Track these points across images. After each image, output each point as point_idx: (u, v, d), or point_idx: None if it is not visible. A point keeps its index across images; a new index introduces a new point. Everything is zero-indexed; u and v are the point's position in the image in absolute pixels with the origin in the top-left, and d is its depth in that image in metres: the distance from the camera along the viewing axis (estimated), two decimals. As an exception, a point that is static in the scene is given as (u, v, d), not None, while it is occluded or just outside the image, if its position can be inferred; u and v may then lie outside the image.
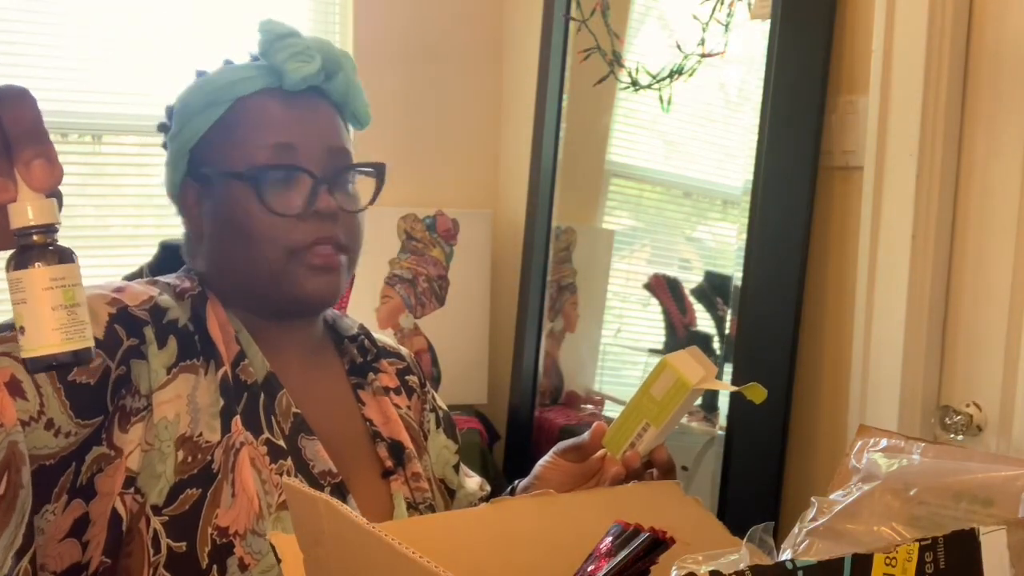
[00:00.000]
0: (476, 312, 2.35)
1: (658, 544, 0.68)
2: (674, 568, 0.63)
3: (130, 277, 1.13)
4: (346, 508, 0.65)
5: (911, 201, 1.40)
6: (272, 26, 1.02)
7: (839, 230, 1.56)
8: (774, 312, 1.57)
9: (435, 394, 1.22)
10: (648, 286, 2.02)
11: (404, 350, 1.21)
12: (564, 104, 2.12)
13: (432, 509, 1.07)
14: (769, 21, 1.55)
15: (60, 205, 0.61)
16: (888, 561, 0.57)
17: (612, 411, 2.11)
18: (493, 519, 0.88)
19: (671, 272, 1.99)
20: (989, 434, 1.36)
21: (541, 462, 1.08)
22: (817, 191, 1.56)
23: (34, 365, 0.59)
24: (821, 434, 1.60)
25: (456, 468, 1.19)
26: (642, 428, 1.02)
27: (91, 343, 0.60)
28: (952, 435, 1.38)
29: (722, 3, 1.66)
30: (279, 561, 0.77)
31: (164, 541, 0.90)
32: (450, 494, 1.16)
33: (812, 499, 0.77)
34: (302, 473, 0.97)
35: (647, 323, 2.07)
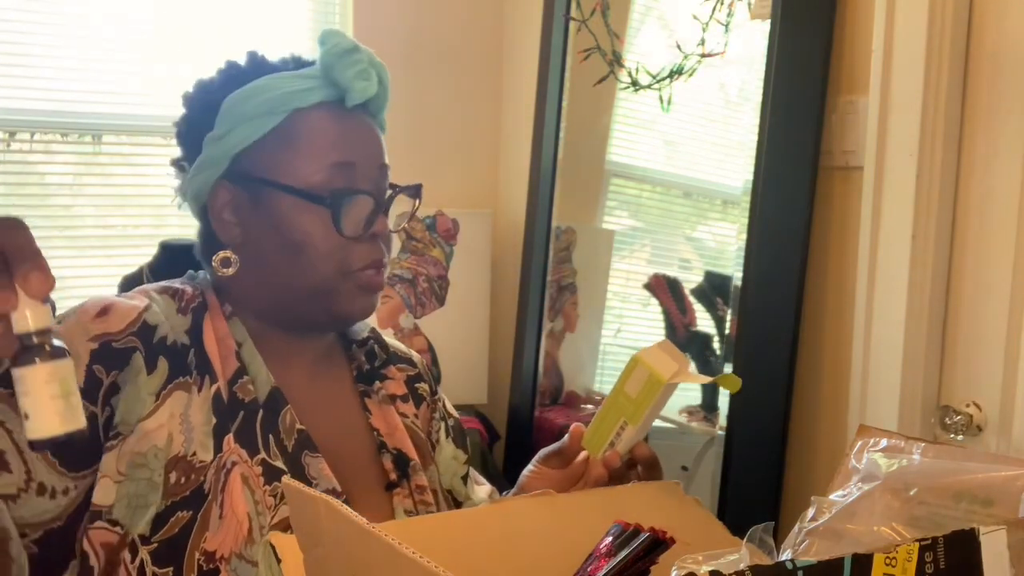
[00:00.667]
0: (476, 312, 2.35)
1: (658, 544, 0.68)
2: (674, 568, 0.63)
3: (130, 277, 1.12)
4: (346, 508, 0.65)
5: (911, 201, 1.40)
6: (337, 39, 1.00)
7: (839, 230, 1.56)
8: (774, 312, 1.57)
9: (446, 401, 1.20)
10: (648, 286, 2.02)
11: (416, 356, 1.19)
12: (564, 104, 2.12)
13: None
14: (769, 21, 1.55)
15: (53, 311, 0.71)
16: (888, 561, 0.57)
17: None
18: (493, 519, 0.88)
19: (671, 272, 1.99)
20: (989, 434, 1.36)
21: (525, 472, 1.07)
22: (817, 191, 1.56)
23: (38, 446, 0.70)
24: (821, 434, 1.60)
25: (465, 479, 1.17)
26: (620, 427, 1.02)
27: (84, 423, 0.70)
28: (952, 435, 1.38)
29: (722, 3, 1.66)
30: (279, 561, 0.77)
31: (149, 569, 0.89)
32: (457, 505, 1.14)
33: (812, 499, 0.77)
34: None
35: (647, 323, 2.07)
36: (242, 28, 2.16)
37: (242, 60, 1.04)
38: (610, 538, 0.70)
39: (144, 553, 0.89)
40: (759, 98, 1.56)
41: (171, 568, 0.89)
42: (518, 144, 2.35)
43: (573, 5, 2.02)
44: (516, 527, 0.87)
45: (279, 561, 0.76)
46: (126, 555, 0.89)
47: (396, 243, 0.98)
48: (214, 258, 1.01)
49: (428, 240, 2.31)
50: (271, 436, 0.96)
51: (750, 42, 1.64)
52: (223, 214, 1.01)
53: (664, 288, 1.97)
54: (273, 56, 1.05)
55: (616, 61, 1.93)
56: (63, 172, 2.10)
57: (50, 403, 0.68)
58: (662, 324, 1.98)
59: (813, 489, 1.09)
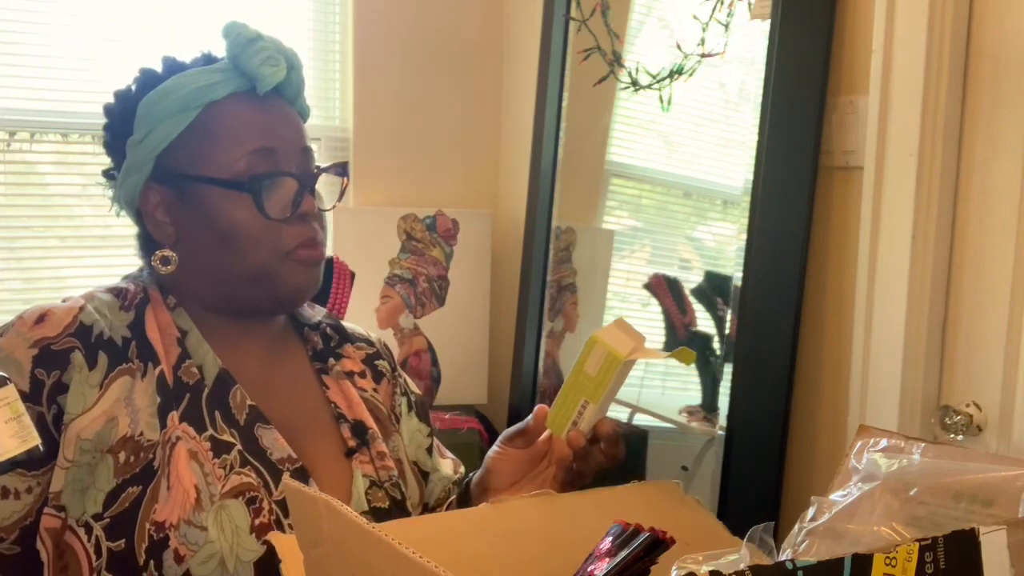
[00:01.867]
0: (476, 312, 2.35)
1: (658, 544, 0.68)
2: (674, 568, 0.63)
3: (130, 277, 1.14)
4: (346, 508, 0.65)
5: (911, 201, 1.40)
6: (241, 30, 1.04)
7: (839, 230, 1.56)
8: (774, 312, 1.57)
9: (407, 378, 1.24)
10: (648, 286, 2.02)
11: (373, 336, 1.23)
12: (564, 104, 2.12)
13: (398, 487, 1.09)
14: (769, 21, 1.55)
15: None
16: (888, 561, 0.57)
17: (612, 411, 2.11)
18: (493, 519, 0.88)
19: (671, 272, 1.99)
20: (989, 434, 1.36)
21: (489, 453, 1.10)
22: (817, 191, 1.56)
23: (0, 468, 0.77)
24: (821, 434, 1.60)
25: (429, 451, 1.20)
26: (581, 406, 1.04)
27: (38, 439, 0.76)
28: (952, 435, 1.38)
29: (722, 3, 1.66)
30: (279, 561, 0.77)
31: (104, 544, 0.93)
32: (424, 477, 1.18)
33: (812, 499, 0.77)
34: (259, 461, 0.99)
35: (647, 323, 2.07)
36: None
37: (158, 66, 1.07)
38: (610, 538, 0.70)
39: (98, 529, 0.93)
40: (759, 98, 1.56)
41: (123, 540, 0.93)
42: (518, 144, 2.35)
43: (573, 5, 2.02)
44: (516, 527, 0.87)
45: (279, 561, 0.76)
46: (70, 538, 0.94)
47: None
48: (153, 258, 1.05)
49: (428, 240, 2.31)
50: (217, 413, 1.00)
51: (750, 42, 1.64)
52: (156, 214, 1.05)
53: (664, 288, 1.97)
54: (187, 57, 1.08)
55: (616, 61, 1.93)
56: (63, 172, 2.11)
57: (4, 427, 0.74)
58: (662, 324, 1.98)
59: (813, 489, 1.09)
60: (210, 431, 0.99)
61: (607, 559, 0.68)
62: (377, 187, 2.34)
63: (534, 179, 2.21)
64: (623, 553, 0.68)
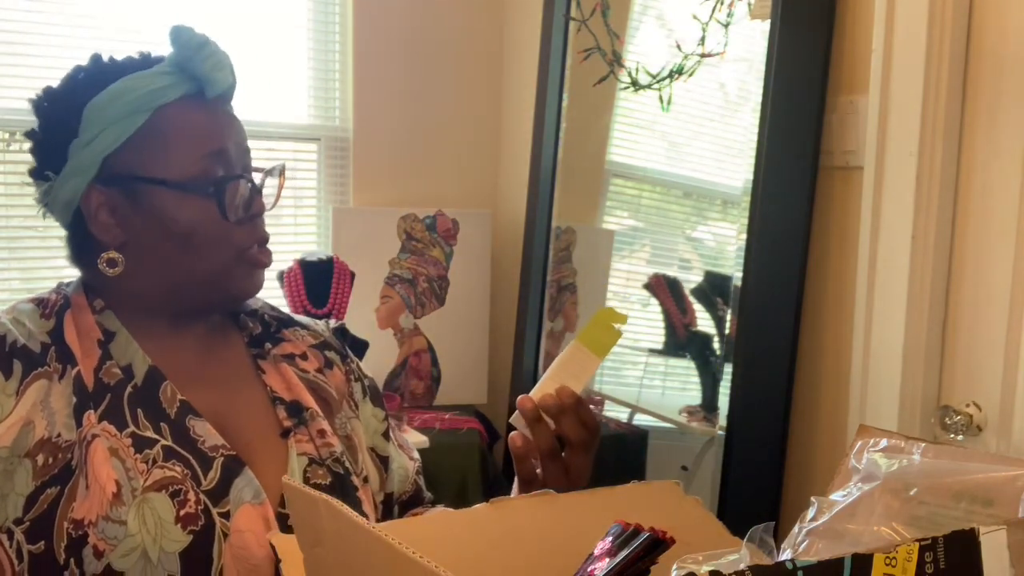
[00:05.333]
0: (476, 312, 2.35)
1: (658, 544, 0.68)
2: (674, 568, 0.63)
3: (59, 287, 1.15)
4: (346, 508, 0.65)
5: (911, 201, 1.40)
6: (189, 35, 1.05)
7: (839, 230, 1.56)
8: (774, 312, 1.57)
9: (359, 364, 1.24)
10: (648, 286, 2.02)
11: (321, 325, 1.23)
12: (564, 104, 2.12)
13: (341, 462, 1.09)
14: (769, 21, 1.55)
15: None
16: (888, 561, 0.57)
17: (612, 411, 2.11)
18: (493, 519, 0.88)
19: (671, 272, 1.99)
20: (989, 434, 1.36)
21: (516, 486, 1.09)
22: (817, 191, 1.56)
23: None
24: (821, 434, 1.60)
25: (386, 435, 1.21)
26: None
27: None
28: (952, 435, 1.38)
29: (722, 3, 1.66)
30: (279, 561, 0.77)
31: (25, 548, 0.94)
32: (382, 461, 1.18)
33: (812, 499, 0.77)
34: (189, 451, 1.00)
35: (647, 323, 2.07)
36: (242, 28, 2.16)
37: (86, 63, 1.07)
38: (610, 538, 0.70)
39: (19, 534, 0.94)
40: (759, 98, 1.56)
41: (43, 542, 0.94)
42: (518, 144, 2.35)
43: (573, 5, 2.02)
44: (516, 527, 0.87)
45: (279, 561, 0.76)
46: None
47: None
48: (99, 260, 1.04)
49: (428, 240, 2.31)
50: (140, 410, 1.01)
51: (750, 42, 1.64)
52: (100, 216, 1.04)
53: (664, 288, 1.97)
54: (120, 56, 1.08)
55: (616, 61, 1.93)
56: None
57: None
58: (662, 324, 1.98)
59: (813, 489, 1.09)
60: (131, 428, 1.00)
61: (607, 559, 0.68)
62: (377, 187, 2.34)
63: (534, 179, 2.22)
64: (623, 553, 0.68)
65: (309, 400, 1.12)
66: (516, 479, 1.08)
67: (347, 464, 1.09)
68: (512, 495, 1.08)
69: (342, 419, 1.14)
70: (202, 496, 0.97)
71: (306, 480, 1.05)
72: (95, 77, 1.05)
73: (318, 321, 1.25)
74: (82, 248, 1.07)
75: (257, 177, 1.09)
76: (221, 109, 1.07)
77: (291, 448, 1.06)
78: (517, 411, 1.03)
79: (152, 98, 1.02)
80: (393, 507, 1.18)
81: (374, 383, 1.24)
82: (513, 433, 1.05)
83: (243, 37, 2.15)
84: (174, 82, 1.04)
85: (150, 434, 1.00)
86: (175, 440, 1.00)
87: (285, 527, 0.99)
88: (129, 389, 1.02)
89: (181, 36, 1.05)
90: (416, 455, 1.27)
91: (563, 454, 1.04)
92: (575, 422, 1.02)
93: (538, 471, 1.04)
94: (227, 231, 1.04)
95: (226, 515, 0.97)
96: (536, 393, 1.04)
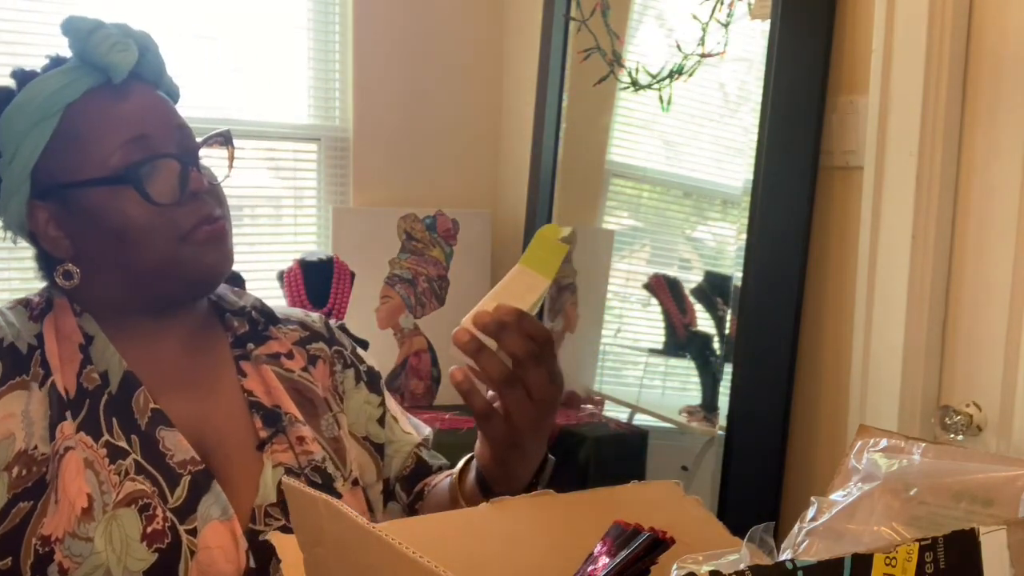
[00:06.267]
0: (476, 312, 2.35)
1: (658, 544, 0.68)
2: (674, 568, 0.63)
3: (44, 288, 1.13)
4: (346, 508, 0.65)
5: (911, 201, 1.40)
6: (79, 23, 0.99)
7: (839, 230, 1.56)
8: (774, 312, 1.57)
9: (356, 350, 1.18)
10: (648, 286, 2.02)
11: (309, 318, 1.18)
12: (564, 104, 2.13)
13: (320, 471, 1.04)
14: (769, 21, 1.55)
15: None
16: (888, 561, 0.57)
17: (612, 411, 2.11)
18: (493, 519, 0.88)
19: (671, 272, 1.99)
20: (989, 434, 1.36)
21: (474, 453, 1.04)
22: (817, 191, 1.56)
23: None
24: (821, 434, 1.60)
25: (382, 422, 1.15)
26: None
27: None
28: (952, 435, 1.38)
29: (722, 3, 1.66)
30: (279, 561, 0.77)
31: None
32: (377, 449, 1.14)
33: (812, 499, 0.77)
34: (157, 466, 0.97)
35: (647, 323, 2.07)
36: (242, 28, 2.16)
37: (11, 83, 1.03)
38: (610, 538, 0.70)
39: None
40: (759, 98, 1.56)
41: (10, 558, 0.91)
42: (518, 144, 2.35)
43: (573, 5, 2.02)
44: (516, 527, 0.87)
45: (279, 561, 0.76)
46: None
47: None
48: (55, 274, 1.02)
49: (428, 240, 2.31)
50: (114, 419, 0.98)
51: (750, 42, 1.64)
52: (48, 232, 1.01)
53: (664, 288, 1.97)
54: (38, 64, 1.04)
55: (616, 61, 1.93)
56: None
57: None
58: (662, 324, 1.98)
59: (813, 489, 1.09)
60: (106, 437, 0.97)
61: (607, 559, 0.68)
62: (377, 187, 2.34)
63: (534, 179, 2.22)
64: (623, 553, 0.68)
65: (290, 405, 1.07)
66: (478, 431, 0.99)
67: (330, 470, 1.05)
68: (476, 448, 1.02)
69: (328, 420, 1.10)
70: (169, 514, 0.95)
71: (280, 492, 1.01)
72: (9, 93, 1.01)
73: (311, 313, 1.19)
74: (48, 264, 1.04)
75: (210, 159, 1.04)
76: (135, 92, 1.01)
77: (266, 461, 1.02)
78: (453, 343, 0.92)
79: (56, 99, 0.98)
80: (393, 488, 1.14)
81: (373, 370, 1.18)
82: (453, 368, 0.95)
83: (243, 37, 2.15)
84: (77, 77, 0.99)
85: (123, 444, 0.97)
86: (144, 455, 0.97)
87: (255, 543, 0.97)
88: (105, 397, 0.99)
89: (71, 26, 0.99)
90: (426, 430, 1.21)
91: (519, 375, 0.93)
92: (519, 336, 0.92)
93: (496, 405, 0.95)
94: (165, 217, 0.98)
95: (193, 532, 0.95)
96: (469, 319, 0.93)
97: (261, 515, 0.99)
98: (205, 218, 1.00)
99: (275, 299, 1.65)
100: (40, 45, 2.02)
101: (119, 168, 0.97)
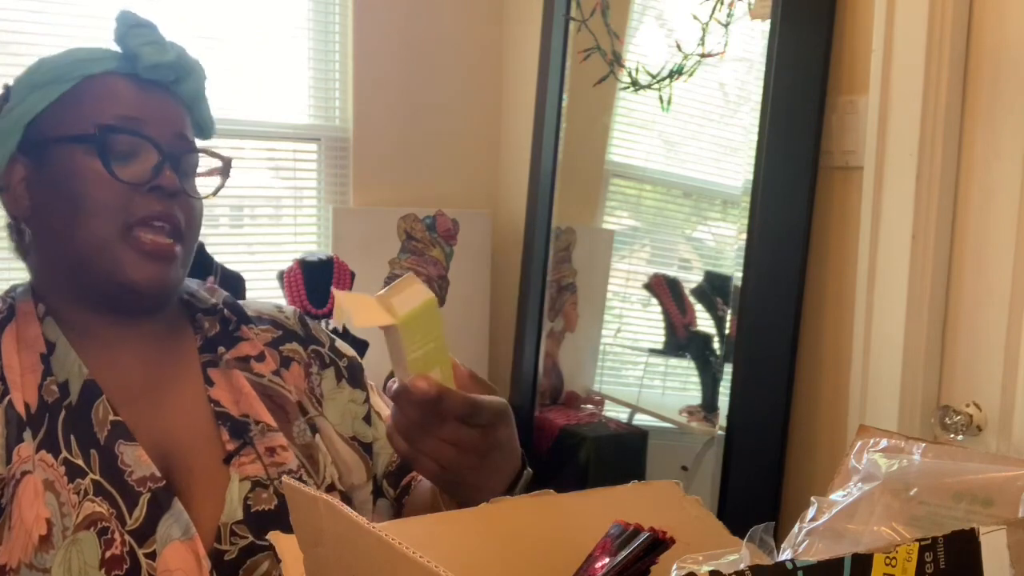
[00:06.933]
0: (476, 312, 2.35)
1: (658, 544, 0.68)
2: (674, 568, 0.63)
3: (12, 289, 1.10)
4: (346, 508, 0.65)
5: (911, 201, 1.40)
6: (129, 16, 1.01)
7: (839, 230, 1.56)
8: (774, 312, 1.57)
9: (335, 343, 1.13)
10: (648, 286, 2.02)
11: (283, 315, 1.13)
12: (564, 104, 2.13)
13: (294, 476, 0.99)
14: (769, 21, 1.55)
15: None
16: (888, 561, 0.57)
17: (612, 411, 2.11)
18: (493, 519, 0.87)
19: (671, 272, 1.99)
20: (989, 434, 1.36)
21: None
22: (817, 191, 1.56)
23: None
24: (821, 434, 1.60)
25: (368, 419, 1.11)
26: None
27: None
28: (952, 435, 1.38)
29: (722, 3, 1.66)
30: (279, 561, 0.77)
31: None
32: (365, 449, 1.09)
33: (812, 499, 0.77)
34: (115, 485, 0.92)
35: (647, 323, 2.07)
36: (242, 28, 2.16)
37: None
38: (610, 538, 0.70)
39: None
40: (759, 98, 1.56)
41: None
42: (518, 144, 2.35)
43: (573, 5, 2.02)
44: (516, 527, 0.87)
45: (279, 561, 0.76)
46: None
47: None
48: (9, 233, 1.00)
49: (428, 240, 2.31)
50: (72, 435, 0.94)
51: (750, 42, 1.64)
52: (17, 188, 1.00)
53: (664, 288, 1.97)
54: None
55: (616, 61, 1.93)
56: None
57: None
58: (662, 324, 1.98)
59: (813, 489, 1.09)
60: (64, 454, 0.92)
61: (607, 559, 0.68)
62: (377, 187, 2.34)
63: (534, 179, 2.22)
64: (623, 553, 0.68)
65: (260, 412, 1.02)
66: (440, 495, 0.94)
67: (304, 479, 1.00)
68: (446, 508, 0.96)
69: (300, 426, 1.04)
70: (127, 537, 0.90)
71: (247, 508, 0.96)
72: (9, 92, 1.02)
73: (285, 308, 1.14)
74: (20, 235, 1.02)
75: (205, 168, 1.02)
76: (155, 90, 1.01)
77: (233, 474, 0.97)
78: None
79: (78, 68, 0.98)
80: (381, 484, 1.09)
81: (354, 362, 1.13)
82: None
83: (243, 38, 2.15)
84: (106, 56, 1.00)
85: (80, 463, 0.93)
86: (103, 472, 0.92)
87: (219, 564, 0.93)
88: (63, 411, 0.94)
89: (123, 16, 1.01)
90: None
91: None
92: (452, 426, 0.86)
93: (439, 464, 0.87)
94: (121, 200, 0.95)
95: (152, 556, 0.90)
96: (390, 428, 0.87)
97: (227, 533, 0.94)
98: (157, 214, 0.96)
99: (275, 299, 1.65)
100: (40, 45, 2.02)
101: (95, 129, 0.96)
